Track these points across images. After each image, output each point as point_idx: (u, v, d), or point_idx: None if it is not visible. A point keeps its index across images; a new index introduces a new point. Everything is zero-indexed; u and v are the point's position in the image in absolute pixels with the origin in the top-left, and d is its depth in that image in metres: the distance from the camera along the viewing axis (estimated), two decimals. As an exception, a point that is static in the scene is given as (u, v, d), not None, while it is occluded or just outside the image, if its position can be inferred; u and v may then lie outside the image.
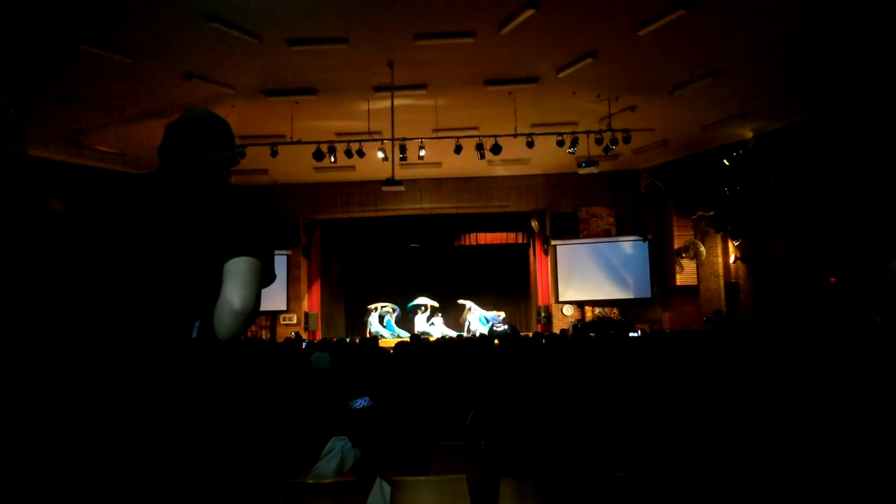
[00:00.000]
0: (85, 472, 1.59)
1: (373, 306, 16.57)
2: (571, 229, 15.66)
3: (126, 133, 11.43)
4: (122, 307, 1.67)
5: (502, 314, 16.12)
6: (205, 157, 1.92)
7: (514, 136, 11.19)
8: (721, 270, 13.50)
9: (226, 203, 1.80)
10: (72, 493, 1.60)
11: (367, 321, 16.43)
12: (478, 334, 15.31)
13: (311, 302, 16.30)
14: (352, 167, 12.91)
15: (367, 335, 15.48)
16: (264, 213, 1.84)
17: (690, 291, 14.36)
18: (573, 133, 11.45)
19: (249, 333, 15.25)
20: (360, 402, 3.65)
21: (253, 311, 1.72)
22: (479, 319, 16.01)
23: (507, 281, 17.73)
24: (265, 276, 1.78)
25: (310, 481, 2.98)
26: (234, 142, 2.05)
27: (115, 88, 9.50)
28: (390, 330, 16.23)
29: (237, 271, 1.71)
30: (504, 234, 17.74)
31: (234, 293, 1.69)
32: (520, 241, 17.44)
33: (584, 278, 15.35)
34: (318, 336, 15.08)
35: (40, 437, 1.66)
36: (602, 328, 13.28)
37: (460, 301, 16.47)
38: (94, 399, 1.60)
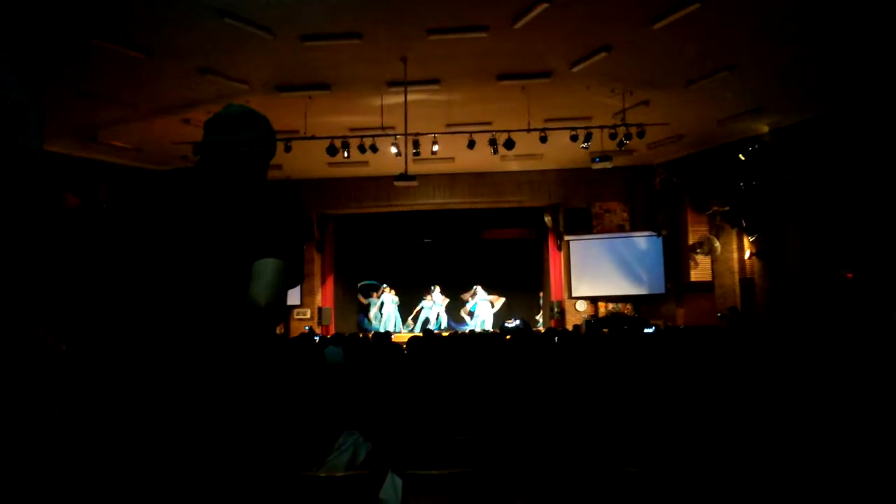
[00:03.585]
0: (111, 465, 1.61)
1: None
2: (585, 224, 15.59)
3: (141, 128, 11.51)
4: (150, 304, 1.69)
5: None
6: (240, 152, 1.94)
7: (528, 130, 11.15)
8: (736, 266, 13.40)
9: (257, 202, 1.82)
10: (97, 486, 1.62)
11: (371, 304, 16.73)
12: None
13: (324, 297, 16.37)
14: (365, 162, 12.91)
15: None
16: (294, 214, 1.87)
17: (705, 287, 14.25)
18: (587, 128, 11.38)
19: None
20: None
21: (276, 312, 1.76)
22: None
23: (520, 276, 17.70)
24: (292, 277, 1.82)
25: (322, 475, 2.99)
26: (272, 136, 2.07)
27: (130, 84, 9.56)
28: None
29: (264, 272, 1.74)
30: (517, 230, 17.73)
31: (258, 293, 1.72)
32: (533, 236, 17.41)
33: (597, 274, 15.28)
34: (332, 331, 15.14)
35: (75, 435, 1.69)
36: (616, 324, 13.21)
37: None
38: (122, 397, 1.62)
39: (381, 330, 15.90)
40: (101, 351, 1.69)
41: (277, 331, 14.78)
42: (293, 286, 1.86)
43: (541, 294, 16.74)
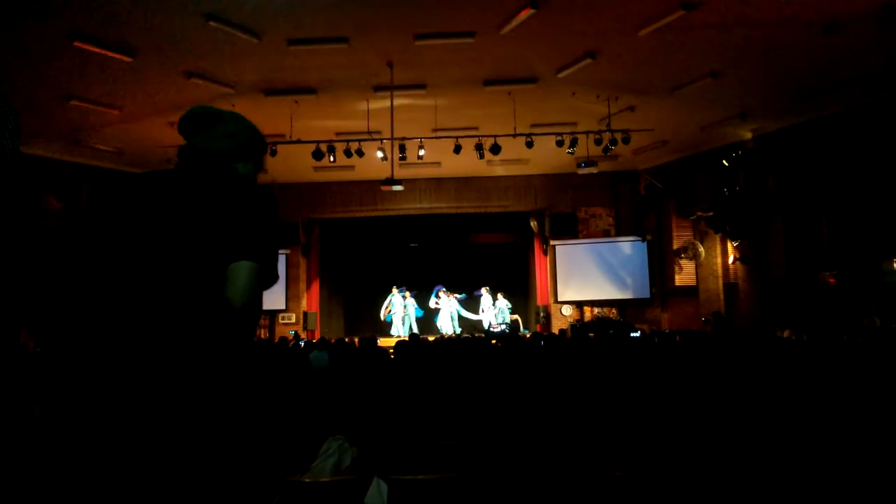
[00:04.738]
0: (89, 470, 1.60)
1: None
2: (570, 229, 15.66)
3: (125, 132, 11.43)
4: (124, 308, 1.67)
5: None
6: (206, 150, 1.94)
7: (514, 136, 11.19)
8: (720, 271, 13.50)
9: (230, 203, 1.80)
10: (77, 490, 1.61)
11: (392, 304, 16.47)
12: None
13: (309, 301, 16.29)
14: (351, 167, 12.90)
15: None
16: (267, 215, 1.84)
17: (689, 292, 14.36)
18: (572, 133, 11.44)
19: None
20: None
21: (251, 315, 1.75)
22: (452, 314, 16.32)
23: (506, 281, 17.70)
24: (266, 279, 1.80)
25: (307, 480, 2.98)
26: (242, 129, 2.05)
27: (114, 87, 9.50)
28: (418, 314, 16.37)
29: (238, 275, 1.73)
30: (503, 234, 17.76)
31: (233, 296, 1.71)
32: (519, 241, 17.44)
33: (583, 278, 15.35)
34: (317, 335, 15.07)
35: (56, 437, 1.67)
36: (601, 328, 13.28)
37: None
38: (96, 401, 1.61)
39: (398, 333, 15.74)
40: (74, 354, 1.67)
41: (262, 335, 14.66)
42: (267, 287, 1.84)
43: (499, 294, 16.55)
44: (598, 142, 11.32)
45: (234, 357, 1.74)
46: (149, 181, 1.87)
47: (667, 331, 13.27)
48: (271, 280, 1.83)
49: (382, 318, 16.28)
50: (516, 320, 15.85)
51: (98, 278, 1.71)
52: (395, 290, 16.26)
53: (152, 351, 1.64)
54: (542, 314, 15.76)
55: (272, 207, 1.88)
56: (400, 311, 16.18)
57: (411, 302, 16.32)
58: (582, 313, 15.61)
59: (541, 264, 16.25)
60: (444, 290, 16.55)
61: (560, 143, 11.47)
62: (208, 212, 1.77)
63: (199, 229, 1.74)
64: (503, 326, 15.18)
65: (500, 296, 16.29)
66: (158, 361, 1.63)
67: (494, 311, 16.18)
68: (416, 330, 15.79)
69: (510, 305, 16.16)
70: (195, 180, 1.85)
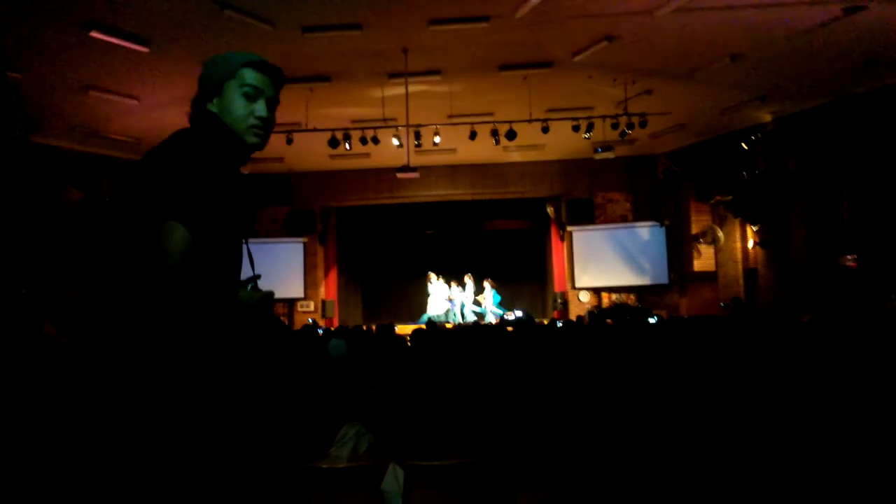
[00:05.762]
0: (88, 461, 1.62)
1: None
2: (587, 215, 15.55)
3: (144, 121, 11.49)
4: (94, 281, 1.68)
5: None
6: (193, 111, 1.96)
7: (529, 121, 11.12)
8: (739, 256, 13.37)
9: (167, 162, 1.75)
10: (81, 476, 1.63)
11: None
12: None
13: (327, 289, 16.38)
14: (367, 154, 12.90)
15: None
16: (192, 171, 1.71)
17: (708, 277, 14.23)
18: (589, 118, 11.35)
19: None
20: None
21: (182, 280, 1.61)
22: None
23: (523, 267, 17.70)
24: (196, 239, 1.65)
25: (324, 466, 3.00)
26: (208, 72, 2.03)
27: (131, 77, 9.56)
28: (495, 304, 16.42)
29: (162, 238, 1.62)
30: (520, 221, 17.71)
31: (162, 262, 1.61)
32: (536, 227, 17.39)
33: (600, 264, 15.27)
34: (335, 323, 15.16)
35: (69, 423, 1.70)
36: (619, 314, 13.21)
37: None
38: (90, 388, 1.63)
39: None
40: (77, 341, 1.69)
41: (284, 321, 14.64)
42: (198, 248, 1.65)
43: (486, 281, 16.49)
44: (614, 126, 11.22)
45: (169, 328, 1.63)
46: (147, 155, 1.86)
47: (685, 316, 13.22)
48: (206, 240, 1.69)
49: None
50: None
51: (92, 260, 1.73)
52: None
53: (98, 323, 1.64)
54: (559, 301, 15.73)
55: (204, 163, 1.75)
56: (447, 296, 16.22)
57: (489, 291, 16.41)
58: (599, 299, 15.55)
59: (558, 250, 16.19)
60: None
61: (576, 128, 11.38)
62: (152, 174, 1.75)
63: (144, 193, 1.72)
64: (519, 314, 15.13)
65: (486, 283, 16.25)
66: (99, 336, 1.63)
67: (466, 296, 16.21)
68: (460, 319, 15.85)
69: (495, 293, 16.14)
70: (167, 145, 1.84)
